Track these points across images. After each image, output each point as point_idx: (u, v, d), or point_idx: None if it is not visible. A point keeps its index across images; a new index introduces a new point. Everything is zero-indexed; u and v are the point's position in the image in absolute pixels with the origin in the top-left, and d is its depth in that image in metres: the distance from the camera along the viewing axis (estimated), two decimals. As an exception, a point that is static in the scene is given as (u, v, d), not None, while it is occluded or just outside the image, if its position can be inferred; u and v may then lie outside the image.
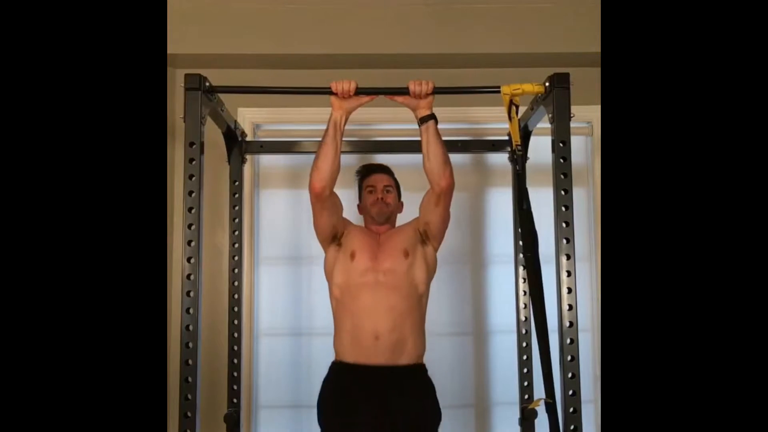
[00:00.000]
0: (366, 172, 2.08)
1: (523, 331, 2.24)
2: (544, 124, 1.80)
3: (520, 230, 1.88)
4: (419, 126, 1.81)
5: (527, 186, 1.81)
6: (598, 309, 2.48)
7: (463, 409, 2.52)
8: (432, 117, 1.79)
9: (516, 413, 2.23)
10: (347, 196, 2.05)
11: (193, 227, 1.68)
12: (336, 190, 1.87)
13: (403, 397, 1.79)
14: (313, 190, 1.80)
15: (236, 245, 2.26)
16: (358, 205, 2.09)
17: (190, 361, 1.63)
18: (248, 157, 2.38)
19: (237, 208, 2.26)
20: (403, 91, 1.78)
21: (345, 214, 1.99)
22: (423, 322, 1.91)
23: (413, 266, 1.88)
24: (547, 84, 1.71)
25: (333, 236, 1.93)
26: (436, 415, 1.84)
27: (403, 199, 2.08)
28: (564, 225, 1.67)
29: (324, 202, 1.83)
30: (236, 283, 2.25)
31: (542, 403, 1.71)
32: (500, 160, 2.48)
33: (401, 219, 2.05)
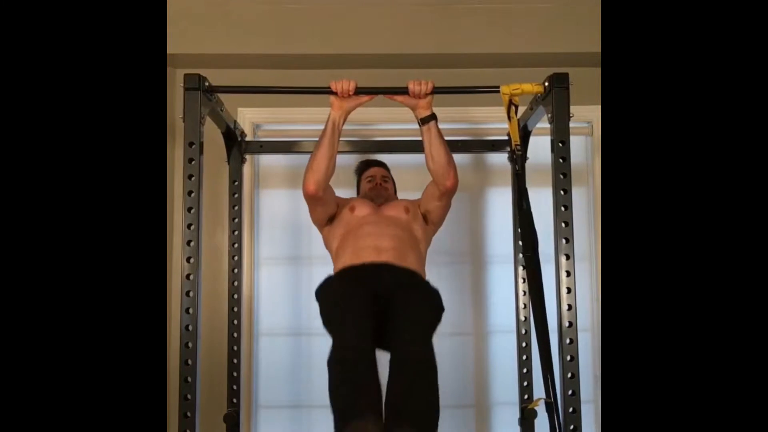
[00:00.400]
0: (364, 166, 2.14)
1: (523, 331, 2.24)
2: (544, 124, 1.80)
3: (519, 230, 1.88)
4: (420, 126, 1.81)
5: (527, 186, 1.81)
6: (598, 309, 2.48)
7: (463, 409, 2.52)
8: (433, 117, 1.79)
9: (516, 413, 2.23)
10: (350, 196, 2.05)
11: (192, 227, 1.68)
12: (336, 190, 1.87)
13: (406, 280, 1.75)
14: (307, 191, 1.80)
15: (236, 245, 2.26)
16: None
17: (189, 361, 1.63)
18: (248, 156, 2.38)
19: (237, 208, 2.26)
20: (403, 91, 1.78)
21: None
22: (423, 260, 1.90)
23: (413, 222, 1.91)
24: (546, 84, 1.71)
25: (329, 218, 1.96)
26: (438, 306, 1.74)
27: (404, 198, 2.08)
28: (563, 225, 1.67)
29: (319, 200, 1.84)
30: (236, 283, 2.25)
31: (542, 403, 1.71)
32: (500, 160, 2.48)
33: None
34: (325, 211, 1.92)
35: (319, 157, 1.77)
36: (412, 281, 1.76)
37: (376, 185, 2.04)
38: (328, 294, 1.73)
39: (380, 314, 1.61)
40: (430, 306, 1.70)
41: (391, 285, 1.69)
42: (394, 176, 2.18)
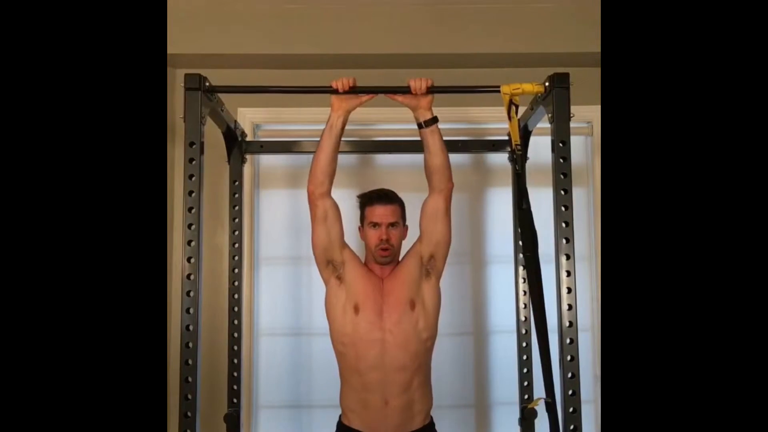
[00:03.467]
0: (369, 201, 1.89)
1: (523, 331, 2.24)
2: (544, 124, 1.80)
3: (520, 230, 1.88)
4: (423, 128, 1.79)
5: (527, 186, 1.81)
6: (598, 309, 2.48)
7: (463, 409, 2.52)
8: (435, 120, 1.79)
9: (516, 413, 2.23)
10: (349, 196, 2.05)
11: (193, 227, 1.68)
12: (336, 190, 1.86)
13: None
14: (308, 191, 1.80)
15: (236, 245, 2.26)
16: (360, 230, 1.95)
17: (190, 361, 1.63)
18: (248, 157, 2.38)
19: (237, 208, 2.26)
20: (404, 90, 1.78)
21: (344, 214, 1.92)
22: (430, 373, 1.87)
23: (420, 318, 1.82)
24: (546, 84, 1.71)
25: (329, 260, 1.84)
26: None
27: (403, 199, 2.03)
28: (564, 225, 1.67)
29: (318, 208, 1.79)
30: (236, 283, 2.25)
31: (542, 402, 1.72)
32: (500, 160, 2.48)
33: (408, 226, 2.00)
34: (327, 238, 1.81)
35: (320, 156, 1.77)
36: None
37: (381, 241, 1.83)
38: None
39: None
40: None
41: None
42: (393, 179, 2.14)
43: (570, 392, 1.60)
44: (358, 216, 1.96)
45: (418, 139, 1.84)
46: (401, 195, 1.96)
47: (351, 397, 1.82)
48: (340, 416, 1.88)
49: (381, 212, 1.86)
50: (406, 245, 1.93)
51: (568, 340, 1.63)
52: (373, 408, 1.77)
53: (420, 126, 1.80)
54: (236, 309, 2.23)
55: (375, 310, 1.80)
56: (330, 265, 1.85)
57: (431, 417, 1.87)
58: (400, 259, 1.92)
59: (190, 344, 1.64)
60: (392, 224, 1.86)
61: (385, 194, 1.90)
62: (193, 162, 1.69)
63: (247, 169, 2.39)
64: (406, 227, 1.95)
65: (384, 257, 1.85)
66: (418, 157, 1.89)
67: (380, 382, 1.77)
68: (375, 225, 1.86)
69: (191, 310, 1.65)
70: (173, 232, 2.45)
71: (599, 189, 2.51)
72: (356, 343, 1.80)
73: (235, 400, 2.19)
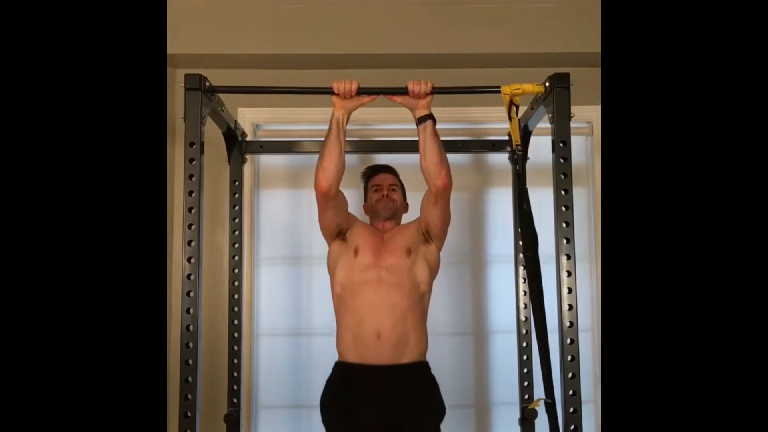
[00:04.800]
0: (371, 172, 2.10)
1: (523, 331, 2.24)
2: (544, 124, 1.80)
3: (520, 230, 1.88)
4: (417, 126, 1.80)
5: (527, 186, 1.81)
6: (598, 309, 2.48)
7: (463, 409, 2.52)
8: (429, 117, 1.79)
9: (516, 413, 2.23)
10: (349, 196, 2.05)
11: (193, 227, 1.68)
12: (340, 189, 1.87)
13: (407, 397, 1.78)
14: (320, 190, 1.80)
15: (236, 245, 2.26)
16: (364, 206, 2.09)
17: (190, 361, 1.63)
18: (248, 157, 2.38)
19: (237, 208, 2.26)
20: (403, 91, 1.78)
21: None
22: (425, 319, 1.91)
23: (415, 264, 1.89)
24: (547, 84, 1.71)
25: (338, 232, 1.94)
26: (439, 413, 1.84)
27: (405, 224, 2.06)
28: (564, 225, 1.67)
29: (330, 200, 1.83)
30: (236, 283, 2.25)
31: (542, 403, 1.71)
32: (500, 160, 2.48)
33: (405, 219, 2.05)
34: (335, 219, 1.90)
35: (328, 154, 1.78)
36: (413, 406, 1.79)
37: (382, 197, 1.99)
38: (328, 425, 1.84)
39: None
40: (436, 419, 1.82)
41: (392, 414, 1.76)
42: (398, 174, 2.15)
43: (570, 392, 1.60)
44: (358, 210, 1.98)
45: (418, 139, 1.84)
46: (407, 197, 2.04)
47: (346, 335, 1.86)
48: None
49: (382, 177, 2.05)
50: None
51: (568, 341, 1.63)
52: (366, 341, 1.81)
53: (416, 123, 1.81)
54: (236, 309, 2.23)
55: (373, 252, 1.88)
56: (338, 234, 1.94)
57: (427, 361, 1.89)
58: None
59: (190, 344, 1.64)
60: (392, 187, 2.03)
61: (387, 166, 2.12)
62: (193, 162, 1.69)
63: (247, 169, 2.39)
64: (406, 203, 2.08)
65: (385, 208, 1.98)
66: (418, 157, 1.89)
67: (374, 317, 1.81)
68: (377, 188, 2.03)
69: (191, 310, 1.65)
70: (173, 232, 2.45)
71: (599, 189, 2.51)
72: (353, 284, 1.87)
73: (235, 400, 2.19)
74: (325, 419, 1.86)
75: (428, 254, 1.92)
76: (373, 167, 2.13)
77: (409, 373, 1.82)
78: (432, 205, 1.85)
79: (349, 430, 1.78)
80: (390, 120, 2.48)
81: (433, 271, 1.94)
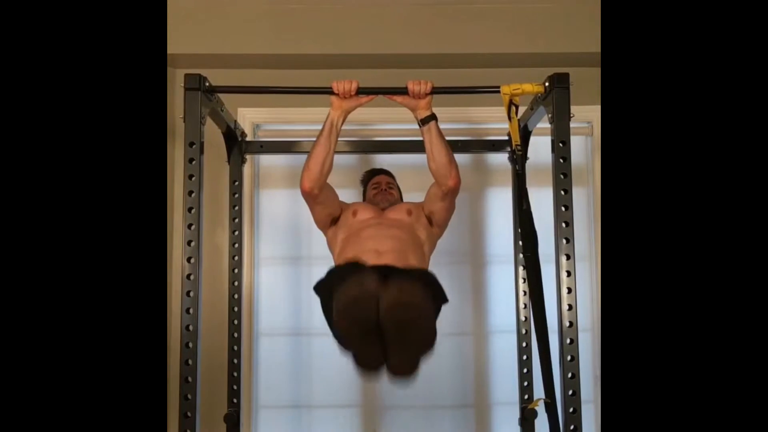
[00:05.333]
0: (369, 175, 2.15)
1: (523, 331, 2.24)
2: (544, 124, 1.80)
3: (520, 230, 1.88)
4: (420, 127, 1.80)
5: (527, 186, 1.81)
6: (598, 309, 2.48)
7: (463, 409, 2.52)
8: (433, 117, 1.79)
9: (516, 413, 2.23)
10: (349, 196, 2.05)
11: (193, 227, 1.68)
12: (337, 189, 1.87)
13: (407, 276, 1.66)
14: (303, 190, 1.80)
15: (236, 245, 2.26)
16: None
17: (190, 361, 1.63)
18: (248, 157, 2.38)
19: (237, 208, 2.26)
20: (402, 91, 1.78)
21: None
22: (426, 264, 1.88)
23: (415, 225, 1.90)
24: (546, 84, 1.71)
25: (332, 220, 1.95)
26: (440, 295, 1.72)
27: (403, 198, 2.09)
28: (564, 225, 1.67)
29: (315, 198, 1.84)
30: (236, 283, 2.25)
31: (542, 403, 1.71)
32: (500, 160, 2.48)
33: None
34: (326, 211, 1.91)
35: (316, 155, 1.77)
36: (410, 272, 1.70)
37: (381, 191, 2.04)
38: (330, 281, 1.68)
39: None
40: (426, 277, 1.71)
41: (393, 278, 1.62)
42: (395, 178, 2.18)
43: (570, 392, 1.60)
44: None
45: (418, 138, 1.85)
46: (404, 197, 2.05)
47: (345, 256, 1.80)
48: None
49: (381, 177, 2.11)
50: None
51: (568, 341, 1.62)
52: (366, 256, 1.72)
53: (419, 125, 1.81)
54: (236, 309, 2.23)
55: (374, 212, 1.92)
56: (333, 221, 1.96)
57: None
58: None
59: (190, 344, 1.64)
60: (390, 185, 2.08)
61: (384, 170, 2.18)
62: (193, 162, 1.69)
63: (247, 169, 2.39)
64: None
65: (383, 200, 2.01)
66: (418, 157, 1.90)
67: (374, 243, 1.78)
68: (375, 186, 2.07)
69: (191, 310, 1.65)
70: (173, 232, 2.45)
71: (599, 189, 2.52)
72: (354, 231, 1.86)
73: (235, 400, 2.19)
74: (322, 288, 1.72)
75: (428, 226, 1.92)
76: (370, 170, 2.19)
77: (410, 270, 1.73)
78: (440, 200, 1.86)
79: (349, 291, 1.56)
80: (390, 120, 2.48)
81: (432, 240, 1.93)
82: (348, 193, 2.09)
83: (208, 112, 1.79)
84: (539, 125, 1.96)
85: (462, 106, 2.46)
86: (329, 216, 1.94)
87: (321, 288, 1.72)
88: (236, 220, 2.26)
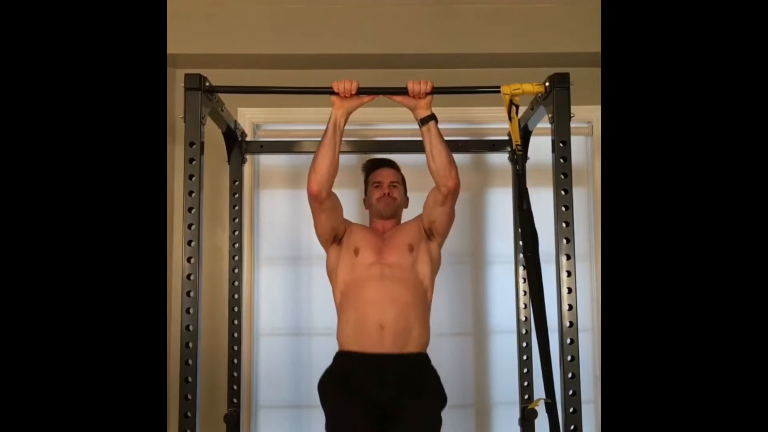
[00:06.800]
0: (372, 166, 2.07)
1: (523, 331, 2.24)
2: (544, 124, 1.80)
3: (520, 230, 1.88)
4: (420, 127, 1.80)
5: (527, 186, 1.81)
6: (598, 309, 2.48)
7: (463, 409, 2.52)
8: (432, 117, 1.79)
9: (516, 413, 2.23)
10: (349, 196, 2.05)
11: (193, 227, 1.68)
12: (336, 190, 1.87)
13: (408, 380, 1.77)
14: (311, 192, 1.80)
15: (236, 245, 2.26)
16: (364, 200, 2.09)
17: (190, 361, 1.63)
18: (248, 157, 2.38)
19: (237, 208, 2.26)
20: (403, 91, 1.78)
21: (346, 214, 1.98)
22: (428, 314, 1.91)
23: (418, 261, 1.89)
24: (547, 84, 1.71)
25: (334, 237, 1.93)
26: (441, 398, 1.83)
27: (406, 222, 2.05)
28: (564, 225, 1.67)
29: (322, 203, 1.82)
30: (236, 283, 2.25)
31: (542, 403, 1.71)
32: (500, 160, 2.49)
33: (407, 214, 2.05)
34: (329, 222, 1.89)
35: (321, 156, 1.77)
36: (414, 386, 1.78)
37: (384, 195, 1.97)
38: (328, 402, 1.80)
39: (381, 420, 1.70)
40: (433, 418, 1.75)
41: (393, 391, 1.74)
42: (399, 168, 2.15)
43: (570, 392, 1.60)
44: (358, 209, 1.97)
45: (418, 138, 1.85)
46: (407, 191, 2.03)
47: (348, 327, 1.85)
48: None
49: (384, 173, 2.02)
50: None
51: (568, 340, 1.63)
52: (368, 332, 1.80)
53: (419, 125, 1.81)
54: (236, 309, 2.23)
55: (374, 251, 1.89)
56: (334, 238, 1.94)
57: (427, 353, 1.89)
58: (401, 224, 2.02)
59: (190, 344, 1.64)
60: (393, 183, 2.00)
61: (388, 160, 2.09)
62: (193, 162, 1.69)
63: (247, 169, 2.39)
64: (407, 198, 2.07)
65: (386, 207, 1.96)
66: (418, 157, 1.89)
67: (377, 310, 1.80)
68: (378, 185, 2.00)
69: (191, 310, 1.65)
70: (173, 232, 2.45)
71: (599, 189, 2.51)
72: (355, 281, 1.86)
73: (235, 400, 2.19)
74: (324, 397, 1.83)
75: (430, 250, 1.93)
76: (374, 161, 2.10)
77: (411, 361, 1.81)
78: (439, 204, 1.85)
79: (348, 405, 1.74)
80: (390, 120, 2.48)
81: (435, 267, 1.95)
82: (348, 193, 2.09)
83: (208, 112, 1.79)
84: (539, 125, 1.96)
85: (462, 106, 2.46)
86: (332, 230, 1.91)
87: (322, 395, 1.84)
88: (236, 220, 2.26)
